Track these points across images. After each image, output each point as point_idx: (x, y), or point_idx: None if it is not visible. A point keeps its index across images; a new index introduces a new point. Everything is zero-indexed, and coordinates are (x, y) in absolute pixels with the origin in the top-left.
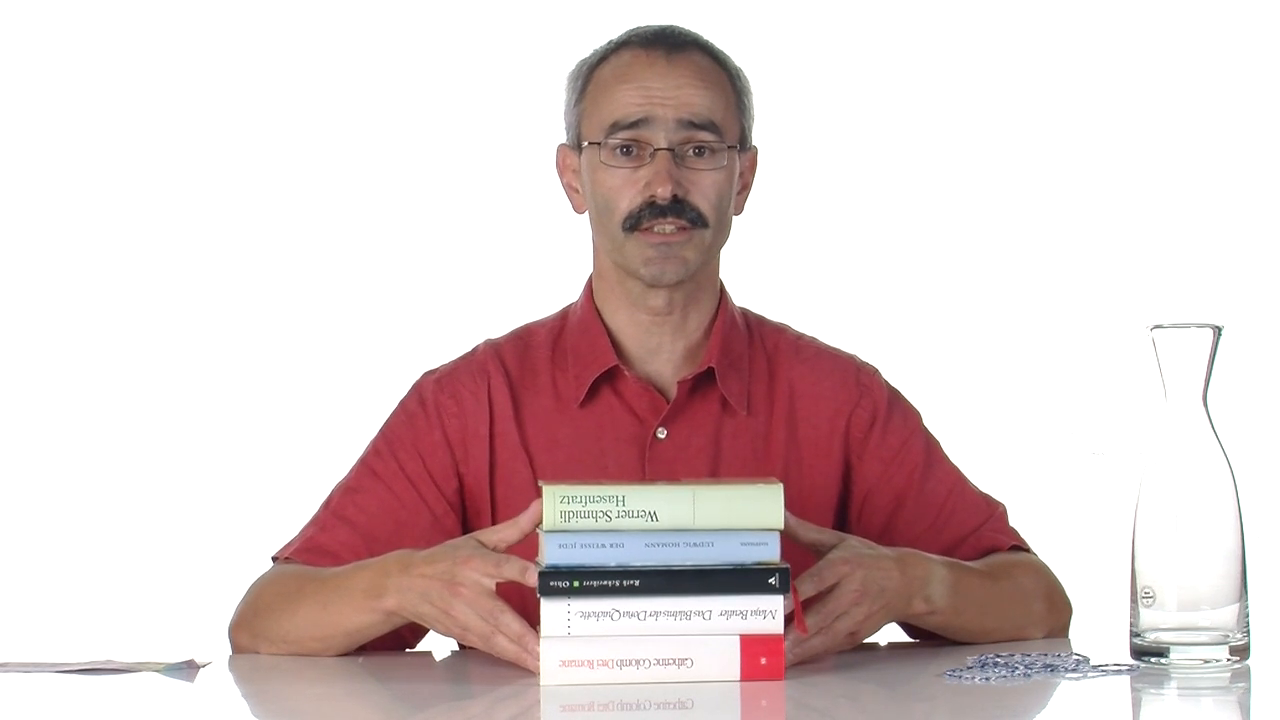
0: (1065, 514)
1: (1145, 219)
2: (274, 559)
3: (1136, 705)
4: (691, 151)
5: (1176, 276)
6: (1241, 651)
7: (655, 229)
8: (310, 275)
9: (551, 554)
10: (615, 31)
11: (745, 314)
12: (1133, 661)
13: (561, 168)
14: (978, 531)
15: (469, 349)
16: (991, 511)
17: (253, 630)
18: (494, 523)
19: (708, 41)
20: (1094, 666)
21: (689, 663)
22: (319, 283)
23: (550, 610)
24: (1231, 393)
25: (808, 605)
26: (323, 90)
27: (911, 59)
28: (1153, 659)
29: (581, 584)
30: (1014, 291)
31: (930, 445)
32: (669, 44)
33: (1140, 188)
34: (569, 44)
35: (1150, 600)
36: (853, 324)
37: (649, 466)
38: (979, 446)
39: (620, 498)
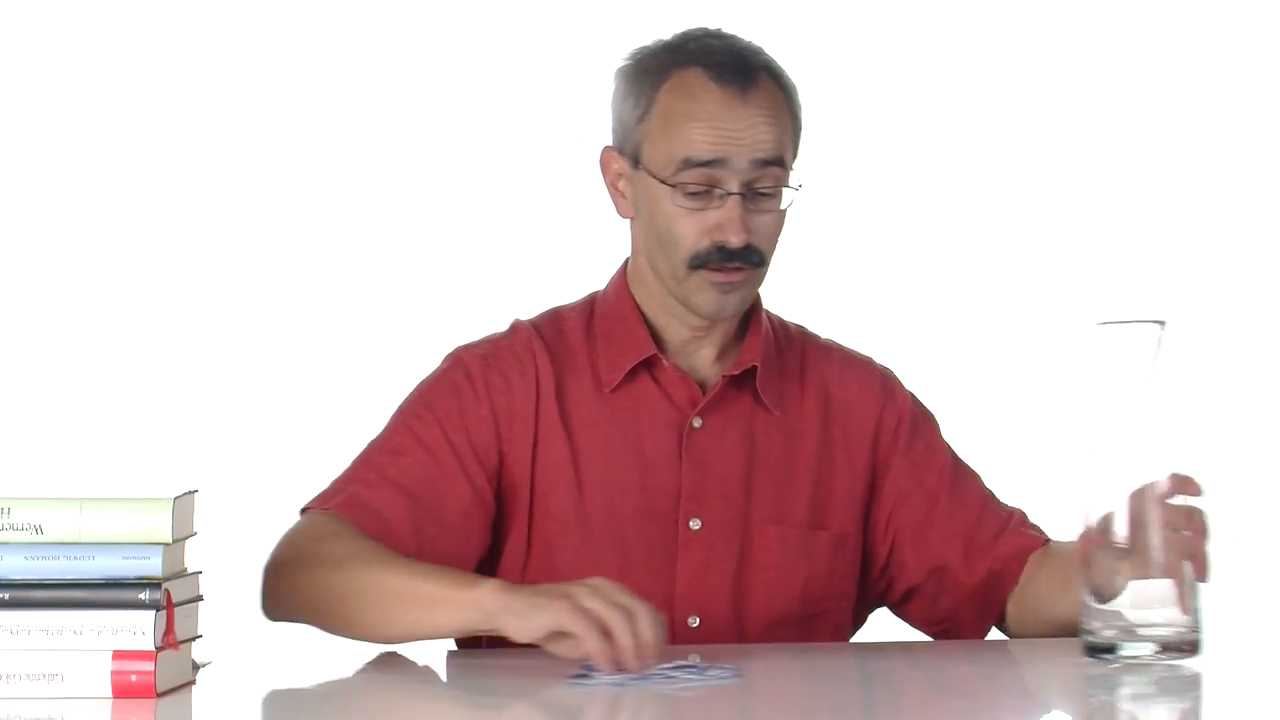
0: (1065, 514)
1: (1146, 219)
2: (305, 510)
3: (1085, 704)
4: (759, 193)
5: (1176, 275)
6: (1192, 648)
7: (721, 270)
8: (313, 272)
9: None
10: (645, 25)
11: (768, 315)
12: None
13: (606, 168)
14: (1010, 528)
15: (505, 328)
16: (1011, 516)
17: (299, 584)
18: (531, 501)
19: (770, 59)
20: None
21: (60, 678)
22: (322, 280)
23: None
24: (1226, 391)
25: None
26: (330, 86)
27: (906, 58)
28: (1103, 655)
29: None
30: (1014, 291)
31: (955, 459)
32: (742, 76)
33: (1140, 187)
34: (591, 41)
35: (1102, 598)
36: (851, 323)
37: (685, 455)
38: (978, 446)
39: (6, 510)
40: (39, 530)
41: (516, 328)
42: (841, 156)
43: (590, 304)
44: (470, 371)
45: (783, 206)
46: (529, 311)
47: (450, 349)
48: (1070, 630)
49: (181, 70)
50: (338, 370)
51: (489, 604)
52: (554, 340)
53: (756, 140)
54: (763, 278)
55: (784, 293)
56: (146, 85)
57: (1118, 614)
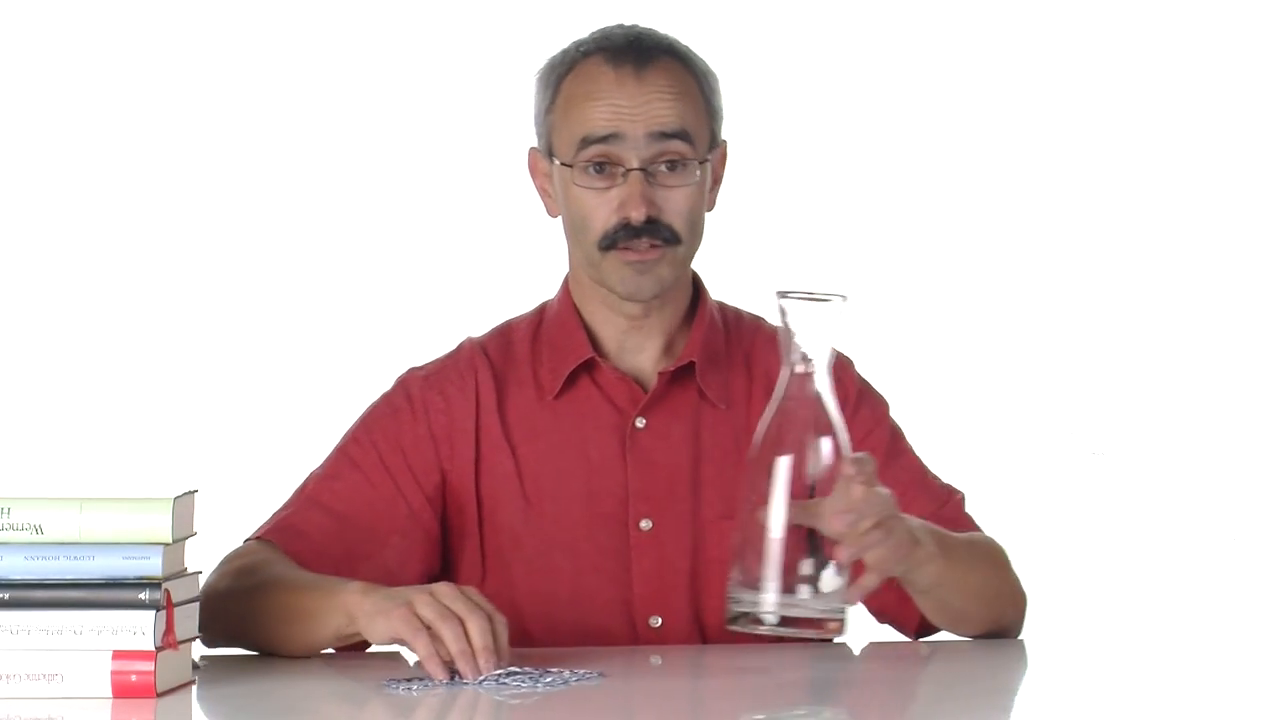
0: (1065, 514)
1: (1145, 218)
2: (247, 541)
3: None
4: (664, 166)
5: (1165, 272)
6: (839, 627)
7: (631, 248)
8: (313, 272)
9: None
10: (589, 31)
11: (722, 307)
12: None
13: (533, 170)
14: (934, 516)
15: (453, 348)
16: (949, 498)
17: (223, 610)
18: (480, 516)
19: (676, 43)
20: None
21: (60, 678)
22: (322, 280)
23: None
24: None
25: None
26: (318, 97)
27: (904, 54)
28: (742, 624)
29: None
30: (1013, 289)
31: (895, 435)
32: (637, 56)
33: (1140, 186)
34: (543, 43)
35: (749, 574)
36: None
37: (630, 456)
38: (978, 446)
39: (6, 510)
40: (39, 530)
41: (461, 347)
42: (843, 156)
43: (540, 313)
44: (410, 393)
45: (689, 182)
46: (512, 314)
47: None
48: (973, 622)
49: (179, 71)
50: (337, 371)
51: (350, 608)
52: (499, 354)
53: (652, 114)
54: (683, 258)
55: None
56: (146, 85)
57: (764, 595)
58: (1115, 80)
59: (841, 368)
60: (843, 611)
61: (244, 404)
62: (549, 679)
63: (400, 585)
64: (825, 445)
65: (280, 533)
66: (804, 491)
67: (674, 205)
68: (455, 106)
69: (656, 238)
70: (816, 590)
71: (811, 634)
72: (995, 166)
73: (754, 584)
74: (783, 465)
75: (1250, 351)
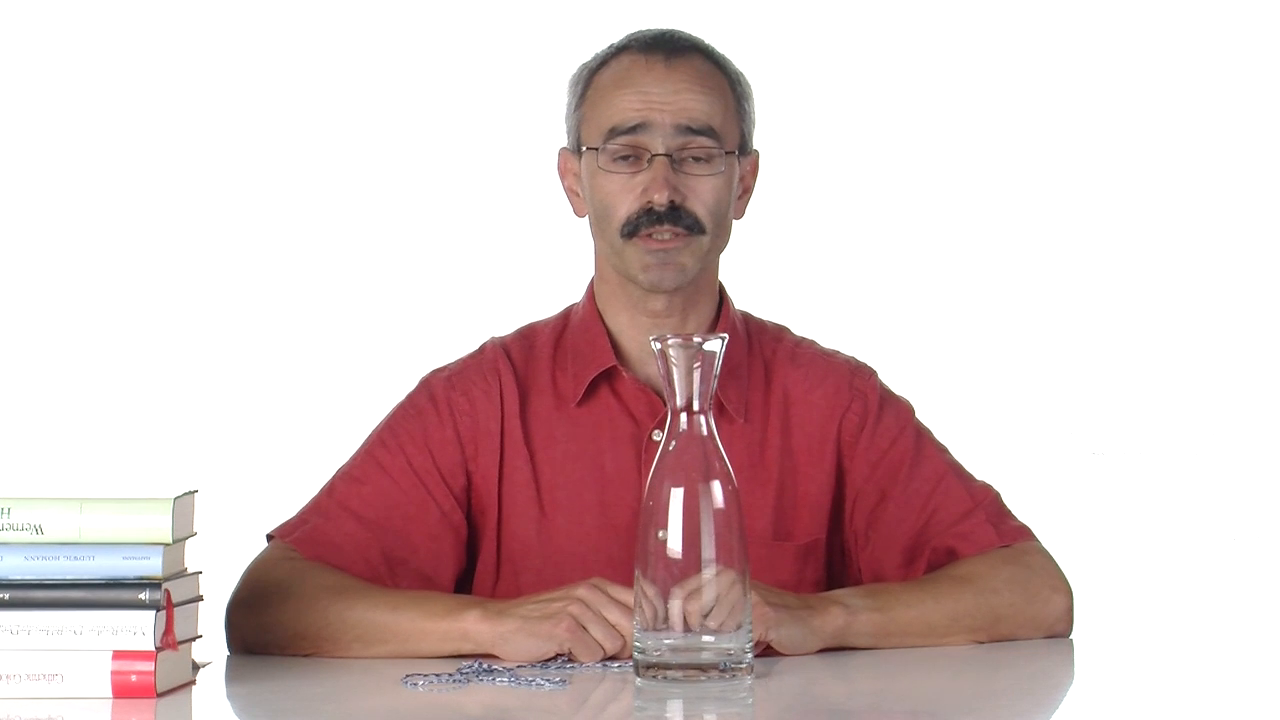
0: (1065, 514)
1: (1145, 218)
2: (270, 536)
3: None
4: (690, 158)
5: (1165, 272)
6: (745, 670)
7: (653, 236)
8: (314, 272)
9: None
10: (618, 33)
11: (746, 318)
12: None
13: (562, 171)
14: (950, 529)
15: (475, 348)
16: (970, 510)
17: (265, 622)
18: (499, 521)
19: (709, 46)
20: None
21: (60, 679)
22: (323, 280)
23: None
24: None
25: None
26: (326, 90)
27: (906, 59)
28: (655, 676)
29: None
30: (1015, 290)
31: (919, 443)
32: (668, 48)
33: (1140, 186)
34: (573, 45)
35: (653, 617)
36: (852, 324)
37: (645, 469)
38: (978, 446)
39: (6, 510)
40: (39, 530)
41: (484, 348)
42: (845, 158)
43: (565, 318)
44: (434, 394)
45: (716, 172)
46: (530, 317)
47: (440, 357)
48: (966, 644)
49: (181, 70)
50: (337, 370)
51: (477, 635)
52: (521, 358)
53: (681, 106)
54: (706, 251)
55: (784, 292)
56: (146, 85)
57: (666, 637)
58: (1116, 81)
59: (862, 379)
60: (749, 654)
61: (244, 404)
62: (617, 665)
63: (435, 589)
64: (715, 485)
65: (313, 544)
66: (696, 533)
67: (699, 193)
68: (476, 104)
69: (679, 225)
70: (716, 636)
71: (718, 677)
72: (994, 167)
73: (656, 631)
74: (677, 505)
75: (1250, 351)
